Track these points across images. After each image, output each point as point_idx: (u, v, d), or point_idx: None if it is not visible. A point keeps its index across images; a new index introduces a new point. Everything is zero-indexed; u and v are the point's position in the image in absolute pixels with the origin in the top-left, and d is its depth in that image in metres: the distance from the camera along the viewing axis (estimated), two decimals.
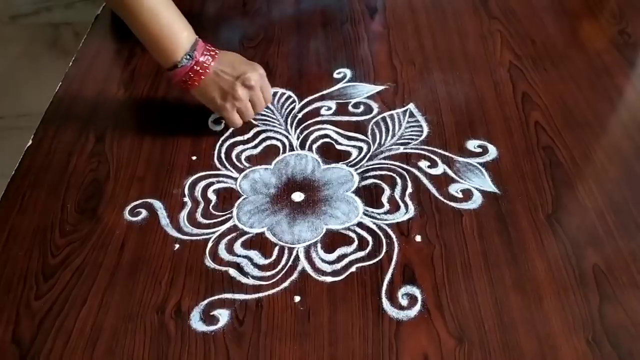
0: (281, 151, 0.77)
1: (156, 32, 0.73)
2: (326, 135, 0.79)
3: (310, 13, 1.01)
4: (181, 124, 0.80)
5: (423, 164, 0.74)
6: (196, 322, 0.59)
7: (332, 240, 0.66)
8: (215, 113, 0.79)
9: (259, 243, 0.66)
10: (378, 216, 0.68)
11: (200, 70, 0.74)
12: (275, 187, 0.72)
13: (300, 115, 0.81)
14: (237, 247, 0.66)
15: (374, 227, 0.67)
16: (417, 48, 0.93)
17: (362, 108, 0.82)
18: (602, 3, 1.04)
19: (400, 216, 0.68)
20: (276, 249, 0.65)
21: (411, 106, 0.82)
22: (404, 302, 0.60)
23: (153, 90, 0.86)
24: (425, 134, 0.78)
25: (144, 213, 0.69)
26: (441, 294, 0.61)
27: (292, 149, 0.77)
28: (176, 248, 0.66)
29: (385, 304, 0.60)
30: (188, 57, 0.73)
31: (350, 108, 0.82)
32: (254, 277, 0.63)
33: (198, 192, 0.72)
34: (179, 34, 0.73)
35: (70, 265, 0.64)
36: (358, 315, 0.59)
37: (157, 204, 0.70)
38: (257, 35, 0.96)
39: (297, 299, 0.61)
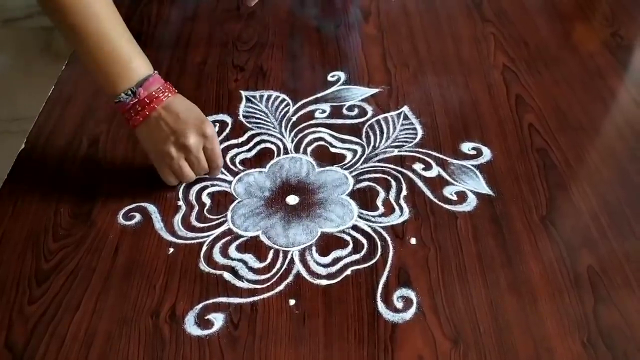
0: (275, 154, 0.77)
1: (101, 58, 0.65)
2: (321, 138, 0.78)
3: (304, 16, 1.01)
4: None
5: (417, 166, 0.74)
6: (191, 326, 0.59)
7: (327, 243, 0.66)
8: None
9: (254, 246, 0.66)
10: (373, 219, 0.68)
11: (141, 111, 0.66)
12: (269, 191, 0.72)
13: (294, 119, 0.81)
14: (232, 250, 0.65)
15: (368, 229, 0.67)
16: (411, 51, 0.93)
17: (356, 111, 0.82)
18: (595, 6, 1.04)
19: (395, 219, 0.68)
20: (271, 252, 0.65)
21: (405, 109, 0.82)
22: (399, 304, 0.60)
23: None
24: (419, 136, 0.78)
25: (137, 217, 0.69)
26: (436, 297, 0.61)
27: (286, 152, 0.77)
28: (170, 252, 0.65)
29: (381, 306, 0.60)
30: (130, 92, 0.66)
31: (344, 111, 0.82)
32: (248, 281, 0.62)
33: (192, 195, 0.71)
34: (125, 65, 0.66)
35: (64, 269, 0.64)
36: (353, 318, 0.59)
37: (151, 208, 0.70)
38: (251, 39, 0.96)
39: (292, 302, 0.60)
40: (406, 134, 0.79)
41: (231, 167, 0.75)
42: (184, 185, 0.72)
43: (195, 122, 0.67)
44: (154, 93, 0.66)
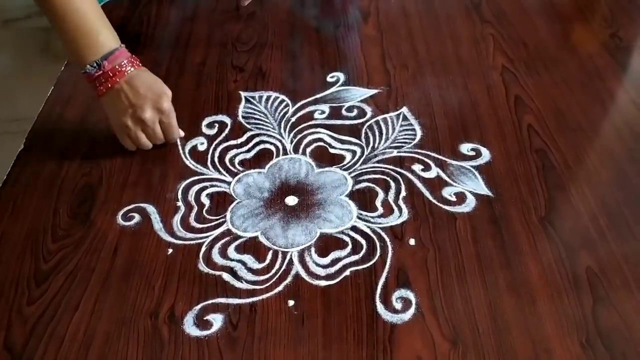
0: (275, 155, 0.77)
1: (70, 31, 0.70)
2: (320, 139, 0.79)
3: (303, 17, 1.01)
4: None
5: (416, 167, 0.74)
6: (190, 327, 0.59)
7: (326, 244, 0.66)
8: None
9: (253, 247, 0.66)
10: (372, 220, 0.68)
11: (105, 82, 0.72)
12: (268, 191, 0.72)
13: (293, 119, 0.81)
14: (231, 251, 0.65)
15: (367, 230, 0.67)
16: (410, 52, 0.93)
17: (355, 112, 0.82)
18: (594, 7, 1.04)
19: (394, 220, 0.68)
20: (270, 253, 0.65)
21: (404, 110, 0.82)
22: (398, 305, 0.60)
23: None
24: (418, 137, 0.78)
25: (137, 217, 0.69)
26: (435, 297, 0.61)
27: (285, 152, 0.77)
28: (169, 252, 0.65)
29: (380, 307, 0.60)
30: (95, 64, 0.71)
31: (343, 112, 0.82)
32: (247, 282, 0.62)
33: (191, 196, 0.71)
34: (93, 38, 0.71)
35: (63, 270, 0.64)
36: (352, 319, 0.59)
37: (150, 209, 0.70)
38: (250, 39, 0.96)
39: (291, 303, 0.60)
40: (405, 134, 0.79)
41: (230, 167, 0.75)
42: (183, 186, 0.72)
43: (153, 97, 0.73)
44: (117, 67, 0.72)
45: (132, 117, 0.73)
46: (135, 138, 0.74)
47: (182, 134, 0.78)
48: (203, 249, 0.66)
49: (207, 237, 0.67)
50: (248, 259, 0.65)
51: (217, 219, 0.69)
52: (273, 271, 0.63)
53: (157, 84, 0.74)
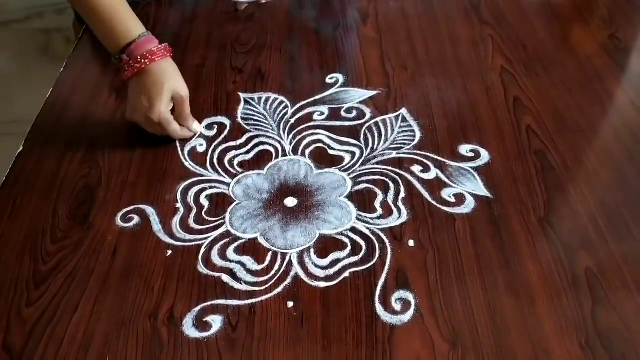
0: (274, 156, 0.77)
1: (100, 19, 0.75)
2: (319, 141, 0.79)
3: (302, 18, 1.01)
4: None
5: (416, 168, 0.74)
6: (189, 329, 0.59)
7: (325, 245, 0.66)
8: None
9: (252, 249, 0.66)
10: (371, 221, 0.68)
11: (133, 65, 0.75)
12: (268, 193, 0.72)
13: (292, 121, 0.81)
14: (230, 252, 0.65)
15: (367, 232, 0.67)
16: (410, 53, 0.93)
17: (354, 113, 0.82)
18: (593, 8, 1.05)
19: (394, 221, 0.68)
20: (269, 254, 0.65)
21: (404, 111, 0.82)
22: (397, 306, 0.60)
23: None
24: (417, 138, 0.78)
25: (136, 219, 0.69)
26: (434, 299, 0.61)
27: (284, 154, 0.77)
28: (169, 254, 0.65)
29: (379, 308, 0.60)
30: (117, 58, 0.76)
31: (342, 113, 0.82)
32: (247, 283, 0.62)
33: (190, 197, 0.71)
34: (120, 26, 0.75)
35: (62, 271, 0.64)
36: (351, 320, 0.59)
37: (150, 210, 0.70)
38: (249, 41, 0.96)
39: (290, 304, 0.60)
40: (404, 136, 0.79)
41: (229, 169, 0.75)
42: (182, 187, 0.72)
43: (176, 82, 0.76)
44: (148, 52, 0.75)
45: (144, 117, 0.75)
46: (150, 130, 0.77)
47: (197, 129, 0.79)
48: (202, 250, 0.66)
49: (206, 238, 0.67)
50: (247, 260, 0.65)
51: (216, 221, 0.69)
52: (272, 272, 0.63)
53: (169, 81, 0.76)
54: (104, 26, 0.76)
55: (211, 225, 0.68)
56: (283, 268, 0.64)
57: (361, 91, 0.86)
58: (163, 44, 0.77)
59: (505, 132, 0.79)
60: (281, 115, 0.82)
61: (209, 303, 0.61)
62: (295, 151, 0.77)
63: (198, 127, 0.79)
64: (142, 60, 0.74)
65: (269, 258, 0.65)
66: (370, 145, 0.78)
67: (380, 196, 0.71)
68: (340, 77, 0.89)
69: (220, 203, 0.71)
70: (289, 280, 0.63)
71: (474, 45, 0.95)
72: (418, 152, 0.76)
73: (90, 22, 0.78)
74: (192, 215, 0.69)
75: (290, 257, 0.65)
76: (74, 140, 0.79)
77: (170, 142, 0.78)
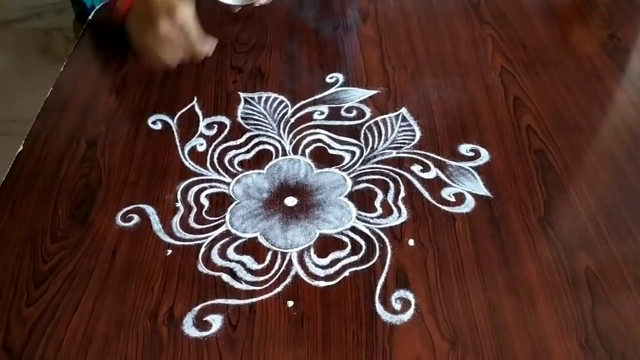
0: (274, 156, 0.77)
1: None
2: (319, 140, 0.79)
3: (302, 18, 1.01)
4: (173, 129, 0.80)
5: (416, 168, 0.74)
6: (189, 328, 0.59)
7: (325, 244, 0.66)
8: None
9: (252, 248, 0.66)
10: (371, 220, 0.68)
11: None
12: (268, 192, 0.72)
13: (292, 120, 0.81)
14: (230, 252, 0.65)
15: (367, 231, 0.67)
16: (409, 53, 0.93)
17: (354, 112, 0.82)
18: (592, 8, 1.05)
19: (393, 220, 0.68)
20: (269, 254, 0.65)
21: (403, 110, 0.82)
22: (397, 306, 0.60)
23: (144, 96, 0.86)
24: (417, 138, 0.78)
25: (136, 218, 0.69)
26: (434, 298, 0.61)
27: (284, 153, 0.77)
28: (169, 253, 0.65)
29: (379, 308, 0.60)
30: None
31: (342, 112, 0.82)
32: (247, 282, 0.62)
33: (190, 197, 0.71)
34: None
35: (62, 271, 0.64)
36: (351, 319, 0.59)
37: (150, 210, 0.70)
38: (249, 40, 0.96)
39: (290, 304, 0.60)
40: (404, 135, 0.79)
41: (229, 168, 0.75)
42: (182, 186, 0.72)
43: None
44: None
45: (159, 26, 0.74)
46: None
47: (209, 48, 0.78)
48: (202, 249, 0.66)
49: (206, 237, 0.67)
50: (247, 259, 0.65)
51: (216, 220, 0.69)
52: (272, 272, 0.63)
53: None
54: None
55: (211, 224, 0.68)
56: (283, 267, 0.64)
57: (361, 91, 0.86)
58: None
59: (505, 131, 0.79)
60: (281, 114, 0.82)
61: (209, 302, 0.61)
62: (295, 150, 0.77)
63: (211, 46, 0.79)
64: None
65: (269, 257, 0.65)
66: (370, 145, 0.78)
67: (380, 196, 0.71)
68: (340, 77, 0.89)
69: (220, 202, 0.71)
70: (289, 279, 0.63)
71: (474, 45, 0.95)
72: (418, 151, 0.76)
73: None
74: (192, 215, 0.69)
75: (290, 256, 0.65)
76: (74, 140, 0.79)
77: (170, 142, 0.78)
